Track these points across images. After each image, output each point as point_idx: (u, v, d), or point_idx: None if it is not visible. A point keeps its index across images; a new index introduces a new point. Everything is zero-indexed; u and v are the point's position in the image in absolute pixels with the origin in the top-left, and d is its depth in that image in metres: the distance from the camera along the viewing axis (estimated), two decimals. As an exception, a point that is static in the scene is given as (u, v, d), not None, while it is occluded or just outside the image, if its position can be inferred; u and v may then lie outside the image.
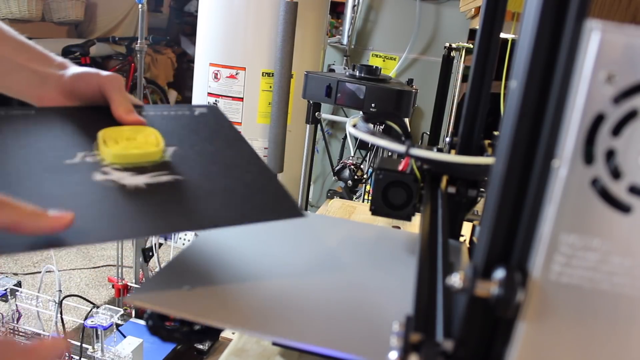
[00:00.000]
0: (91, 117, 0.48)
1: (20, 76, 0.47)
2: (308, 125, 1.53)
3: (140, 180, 0.42)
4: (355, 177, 1.55)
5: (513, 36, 1.30)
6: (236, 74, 1.67)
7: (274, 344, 0.48)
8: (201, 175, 0.44)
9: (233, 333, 0.51)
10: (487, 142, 0.53)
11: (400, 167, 0.52)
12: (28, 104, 0.48)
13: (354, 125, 0.56)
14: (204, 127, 0.51)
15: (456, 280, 0.29)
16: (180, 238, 1.82)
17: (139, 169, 0.44)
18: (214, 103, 1.71)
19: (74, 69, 0.48)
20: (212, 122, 0.51)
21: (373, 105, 1.33)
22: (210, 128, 0.51)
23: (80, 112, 0.49)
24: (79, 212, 0.36)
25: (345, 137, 2.19)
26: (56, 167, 0.41)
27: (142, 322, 1.77)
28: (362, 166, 1.64)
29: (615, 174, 0.24)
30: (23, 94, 0.48)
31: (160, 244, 1.82)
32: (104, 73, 0.48)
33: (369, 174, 1.63)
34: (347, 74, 1.43)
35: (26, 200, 0.34)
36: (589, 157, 0.24)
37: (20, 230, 0.34)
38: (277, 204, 0.43)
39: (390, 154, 0.61)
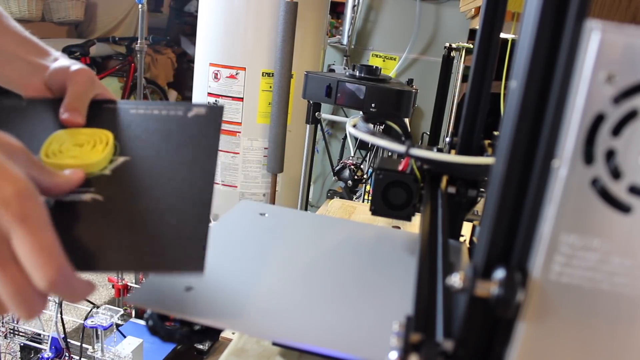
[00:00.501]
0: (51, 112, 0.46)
1: (15, 66, 0.48)
2: (308, 125, 1.53)
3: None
4: (355, 177, 1.55)
5: (513, 36, 1.30)
6: (236, 74, 1.67)
7: (274, 344, 0.48)
8: (126, 200, 0.40)
9: (233, 333, 0.51)
10: (487, 142, 0.53)
11: (400, 167, 0.53)
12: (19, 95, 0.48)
13: (354, 125, 0.56)
14: (181, 133, 0.44)
15: (456, 280, 0.29)
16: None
17: None
18: (213, 103, 1.71)
19: (56, 63, 0.48)
20: (196, 129, 0.45)
21: (373, 105, 1.33)
22: (187, 135, 0.44)
23: (45, 106, 0.47)
24: None
25: (345, 137, 2.19)
26: None
27: (142, 322, 1.77)
28: (362, 166, 1.64)
29: (615, 174, 0.24)
30: (12, 83, 0.48)
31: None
32: (73, 67, 0.46)
33: (369, 174, 1.63)
34: (347, 74, 1.44)
35: None
36: (589, 157, 0.24)
37: (37, 184, 0.34)
38: (183, 256, 0.37)
39: (390, 154, 0.61)
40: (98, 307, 1.54)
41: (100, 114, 0.46)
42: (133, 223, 0.38)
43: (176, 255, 0.37)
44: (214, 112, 0.46)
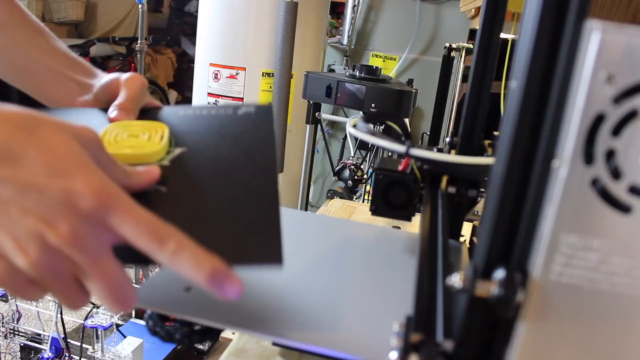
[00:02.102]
0: (101, 116, 0.46)
1: (63, 85, 0.48)
2: (308, 125, 1.53)
3: None
4: (355, 177, 1.55)
5: (513, 36, 1.30)
6: (236, 74, 1.67)
7: (274, 344, 0.48)
8: (190, 190, 0.38)
9: (233, 333, 0.51)
10: (487, 142, 0.53)
11: (400, 167, 0.53)
12: (35, 102, 0.47)
13: (354, 126, 0.56)
14: (234, 127, 0.43)
15: (456, 280, 0.29)
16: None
17: None
18: (214, 103, 1.71)
19: (107, 76, 0.49)
20: (249, 123, 0.44)
21: (373, 105, 1.33)
22: (241, 129, 0.43)
23: (93, 112, 0.47)
24: None
25: (345, 137, 2.19)
26: None
27: (142, 322, 1.77)
28: (362, 166, 1.64)
29: (615, 174, 0.24)
30: (60, 102, 0.49)
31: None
32: (124, 76, 0.47)
33: (369, 174, 1.63)
34: (347, 74, 1.44)
35: None
36: (589, 157, 0.24)
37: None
38: (258, 248, 0.36)
39: (390, 154, 0.61)
40: (98, 307, 1.54)
41: (149, 115, 0.46)
42: (202, 216, 0.37)
43: (252, 247, 0.35)
44: (264, 109, 0.45)
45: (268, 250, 0.35)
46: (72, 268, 0.31)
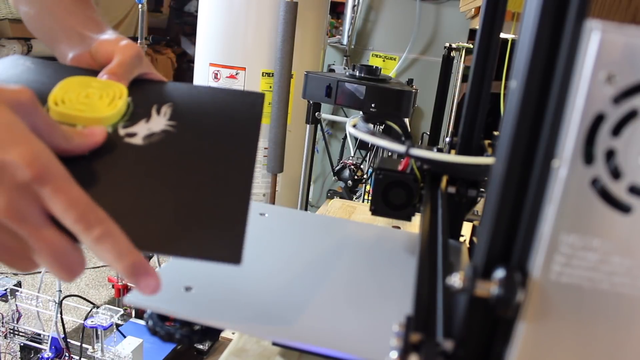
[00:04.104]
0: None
1: (69, 40, 0.47)
2: (308, 125, 1.53)
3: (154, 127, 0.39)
4: (355, 177, 1.55)
5: (513, 36, 1.30)
6: (236, 74, 1.67)
7: (274, 344, 0.48)
8: (160, 168, 0.37)
9: (233, 333, 0.51)
10: (487, 142, 0.53)
11: (400, 167, 0.53)
12: None
13: (354, 125, 0.56)
14: (224, 106, 0.43)
15: (456, 280, 0.29)
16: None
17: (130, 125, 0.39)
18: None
19: (105, 35, 0.47)
20: (239, 106, 0.43)
21: (373, 105, 1.33)
22: (231, 110, 0.42)
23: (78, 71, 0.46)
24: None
25: (345, 137, 2.19)
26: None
27: (142, 322, 1.77)
28: (362, 166, 1.64)
29: (615, 174, 0.24)
30: (67, 56, 0.47)
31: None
32: (123, 41, 0.45)
33: (369, 174, 1.63)
34: (347, 74, 1.44)
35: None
36: (589, 157, 0.24)
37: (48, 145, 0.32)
38: (217, 244, 0.34)
39: (390, 154, 0.61)
40: (98, 307, 1.54)
41: (143, 87, 0.45)
42: (165, 199, 0.35)
43: (210, 242, 0.34)
44: (258, 96, 0.46)
45: (227, 248, 0.33)
46: (13, 239, 0.30)
